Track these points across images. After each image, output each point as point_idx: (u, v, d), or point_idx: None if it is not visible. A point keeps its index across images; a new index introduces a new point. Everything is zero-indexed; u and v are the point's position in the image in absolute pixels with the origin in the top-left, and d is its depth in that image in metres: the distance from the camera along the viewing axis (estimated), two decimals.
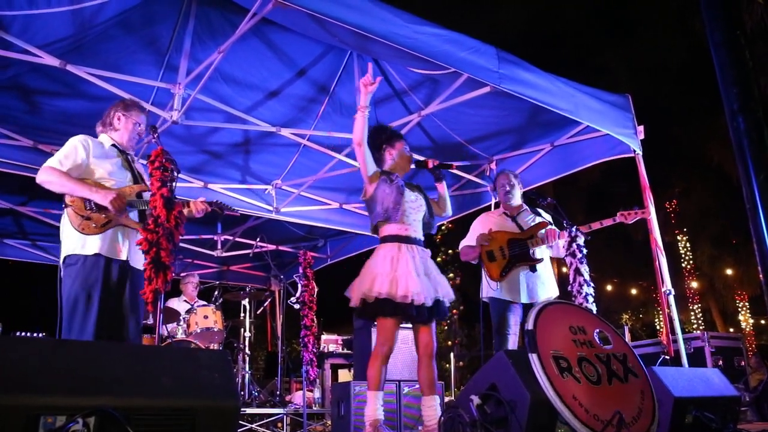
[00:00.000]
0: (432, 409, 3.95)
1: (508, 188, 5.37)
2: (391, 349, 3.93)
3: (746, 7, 10.37)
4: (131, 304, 3.72)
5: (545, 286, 5.15)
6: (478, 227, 5.37)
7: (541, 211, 5.45)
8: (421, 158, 4.57)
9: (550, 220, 5.36)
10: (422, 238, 4.21)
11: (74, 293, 3.52)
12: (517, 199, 5.40)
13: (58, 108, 5.87)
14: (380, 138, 4.35)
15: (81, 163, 3.72)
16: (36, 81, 5.46)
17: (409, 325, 5.51)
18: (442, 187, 4.48)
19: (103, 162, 3.80)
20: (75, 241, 3.61)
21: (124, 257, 3.71)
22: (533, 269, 5.11)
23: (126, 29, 5.12)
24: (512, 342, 5.02)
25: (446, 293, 4.07)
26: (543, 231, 5.14)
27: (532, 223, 5.26)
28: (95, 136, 4.02)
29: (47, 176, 3.62)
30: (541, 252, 5.17)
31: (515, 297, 5.06)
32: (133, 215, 3.82)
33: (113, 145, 3.94)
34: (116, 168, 3.85)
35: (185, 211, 4.10)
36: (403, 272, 3.90)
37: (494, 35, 7.26)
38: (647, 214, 5.30)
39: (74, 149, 3.74)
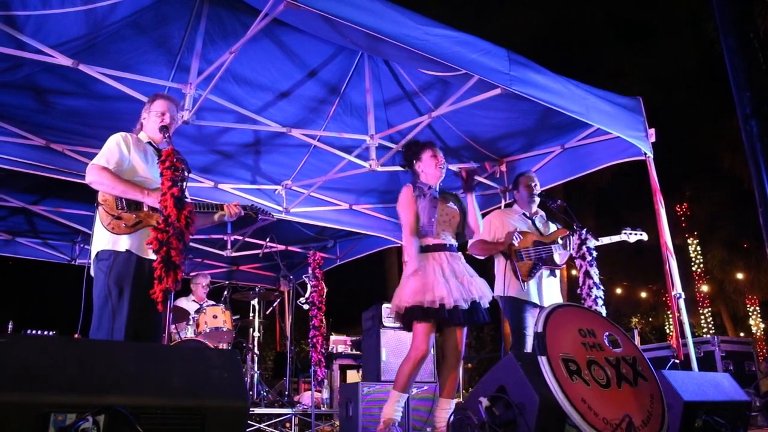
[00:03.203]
0: (445, 411, 3.99)
1: (534, 186, 5.32)
2: (425, 353, 3.97)
3: (760, 11, 10.33)
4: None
5: (556, 291, 5.16)
6: (497, 223, 5.25)
7: (551, 218, 5.42)
8: (460, 170, 4.49)
9: (561, 226, 5.34)
10: (453, 243, 4.26)
11: (106, 288, 3.55)
12: (536, 201, 5.35)
13: (70, 107, 5.91)
14: (410, 153, 4.46)
15: (124, 161, 3.76)
16: (49, 81, 5.50)
17: None
18: (470, 200, 4.38)
19: (141, 159, 3.84)
20: (106, 238, 3.65)
21: (153, 257, 3.73)
22: (553, 274, 5.13)
23: (138, 29, 5.15)
24: (530, 342, 4.93)
25: (483, 295, 4.08)
26: (564, 238, 5.13)
27: (549, 228, 5.25)
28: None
29: (98, 177, 3.65)
30: (561, 258, 5.13)
31: (535, 299, 5.03)
32: None
33: (149, 142, 3.97)
34: (153, 166, 3.87)
35: (217, 216, 4.13)
36: (430, 279, 3.97)
37: (508, 38, 7.27)
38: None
39: (117, 146, 3.76)
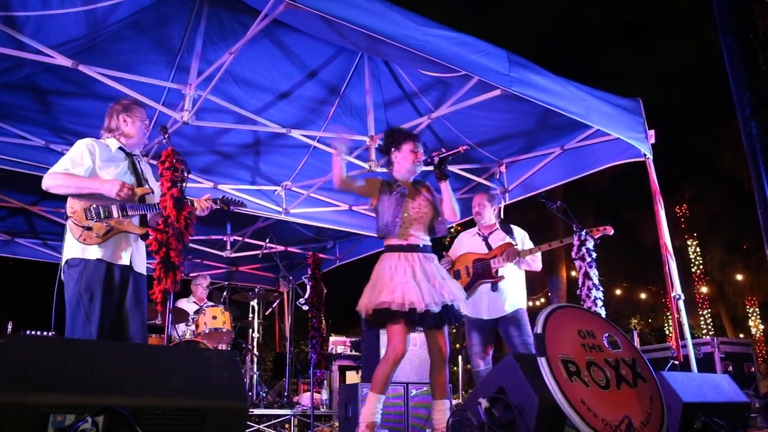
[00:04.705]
0: (442, 413, 3.94)
1: (477, 209, 5.53)
2: (402, 354, 3.86)
3: (759, 11, 10.33)
4: (134, 308, 3.73)
5: (509, 301, 5.24)
6: (456, 244, 5.65)
7: (514, 228, 5.53)
8: (431, 156, 4.27)
9: (517, 240, 5.39)
10: (427, 243, 4.14)
11: (76, 295, 3.56)
12: (488, 219, 5.51)
13: (70, 108, 5.91)
14: (389, 141, 4.29)
15: (87, 166, 3.74)
16: (48, 81, 5.50)
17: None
18: (444, 187, 4.17)
19: (108, 167, 3.81)
20: (77, 247, 3.65)
21: (126, 262, 3.73)
22: (494, 287, 5.23)
23: (138, 30, 5.15)
24: (475, 362, 5.27)
25: (454, 297, 3.98)
26: (505, 252, 5.20)
27: (500, 243, 5.35)
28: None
29: (52, 180, 3.67)
30: (504, 270, 5.25)
31: (477, 313, 5.27)
32: (135, 220, 3.83)
33: (120, 148, 3.95)
34: (122, 172, 3.86)
35: None
36: (399, 281, 3.86)
37: (507, 38, 7.26)
38: (609, 230, 5.25)
39: (80, 155, 3.75)
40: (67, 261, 3.67)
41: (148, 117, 4.12)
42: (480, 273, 5.28)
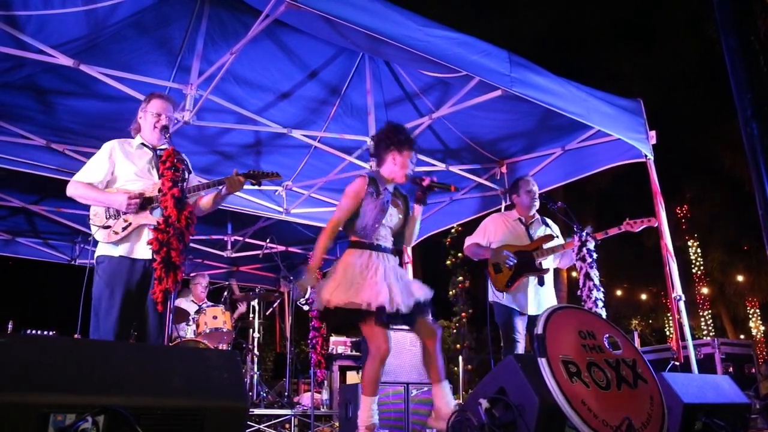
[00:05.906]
0: (446, 396, 3.85)
1: (535, 195, 5.27)
2: (386, 352, 3.77)
3: (760, 13, 10.34)
4: (154, 301, 3.76)
5: (550, 297, 5.13)
6: (491, 227, 5.29)
7: (549, 221, 5.40)
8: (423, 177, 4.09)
9: (557, 232, 5.32)
10: (390, 246, 4.01)
11: (100, 290, 3.67)
12: (536, 206, 5.32)
13: (71, 108, 5.92)
14: (392, 139, 4.01)
15: (106, 171, 3.84)
16: (50, 81, 5.50)
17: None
18: (418, 212, 4.09)
19: (128, 164, 3.88)
20: (102, 246, 3.78)
21: (147, 256, 3.75)
22: (541, 281, 5.07)
23: (139, 30, 5.16)
24: (521, 347, 4.98)
25: (424, 293, 3.90)
26: (549, 244, 5.08)
27: (545, 233, 5.21)
28: (116, 136, 4.06)
29: (73, 190, 3.81)
30: (548, 263, 5.11)
31: (522, 307, 5.02)
32: (157, 212, 3.84)
33: (142, 143, 3.98)
34: (142, 168, 3.92)
35: (220, 190, 4.12)
36: (378, 279, 3.76)
37: (507, 38, 7.26)
38: (654, 222, 5.09)
39: (99, 159, 3.87)
40: (95, 259, 3.79)
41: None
42: (522, 265, 5.00)
